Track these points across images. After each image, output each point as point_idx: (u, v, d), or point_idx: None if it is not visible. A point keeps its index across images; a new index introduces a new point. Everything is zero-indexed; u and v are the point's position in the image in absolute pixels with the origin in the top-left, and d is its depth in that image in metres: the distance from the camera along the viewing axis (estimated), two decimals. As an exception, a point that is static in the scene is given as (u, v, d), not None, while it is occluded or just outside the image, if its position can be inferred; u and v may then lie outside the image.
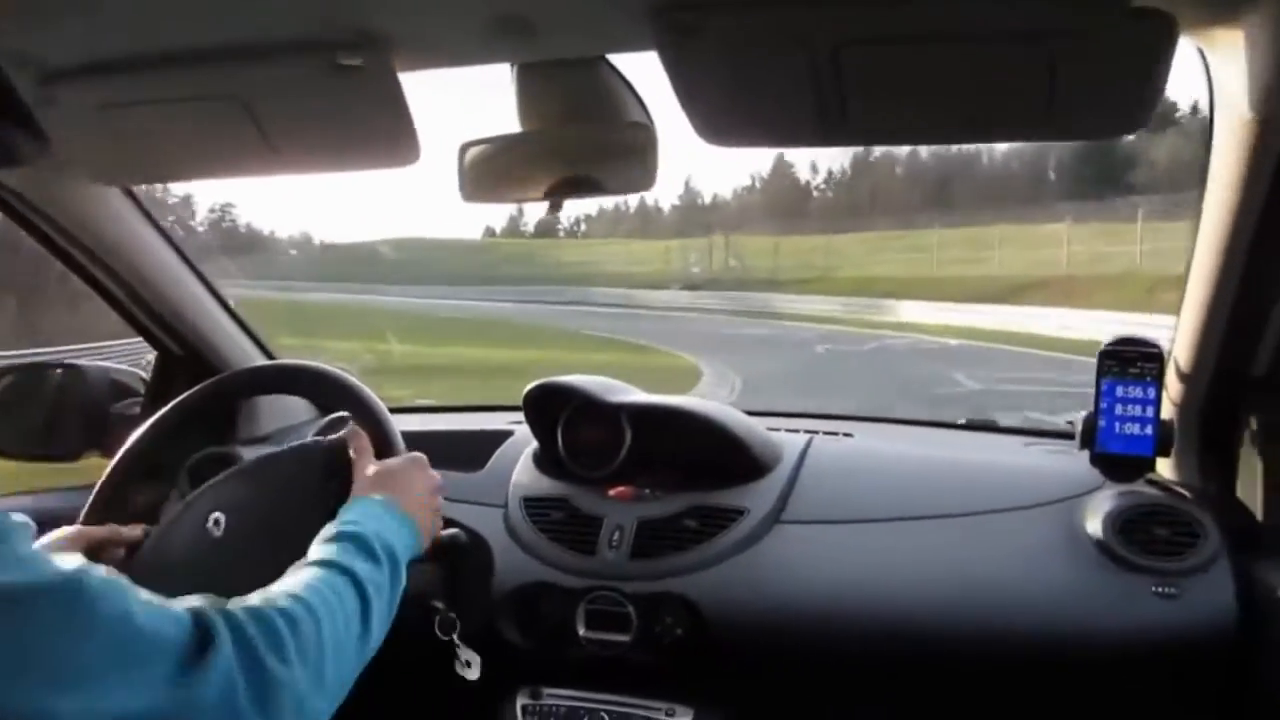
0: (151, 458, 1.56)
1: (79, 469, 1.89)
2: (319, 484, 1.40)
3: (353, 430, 1.39)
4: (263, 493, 1.40)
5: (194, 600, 0.95)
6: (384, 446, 1.41)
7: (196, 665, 0.87)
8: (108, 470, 1.54)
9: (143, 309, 1.95)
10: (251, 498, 1.40)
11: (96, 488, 1.52)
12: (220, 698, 0.87)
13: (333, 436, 1.44)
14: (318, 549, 1.13)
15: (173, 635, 0.87)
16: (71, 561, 0.85)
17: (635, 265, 48.16)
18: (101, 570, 0.86)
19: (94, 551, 1.34)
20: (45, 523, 1.77)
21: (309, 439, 1.51)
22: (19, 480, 1.43)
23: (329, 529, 1.17)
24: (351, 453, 1.35)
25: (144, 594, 0.89)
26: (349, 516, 1.19)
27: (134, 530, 1.42)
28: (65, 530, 1.37)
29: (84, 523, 1.46)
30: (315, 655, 0.99)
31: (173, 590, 1.35)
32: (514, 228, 78.26)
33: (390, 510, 1.23)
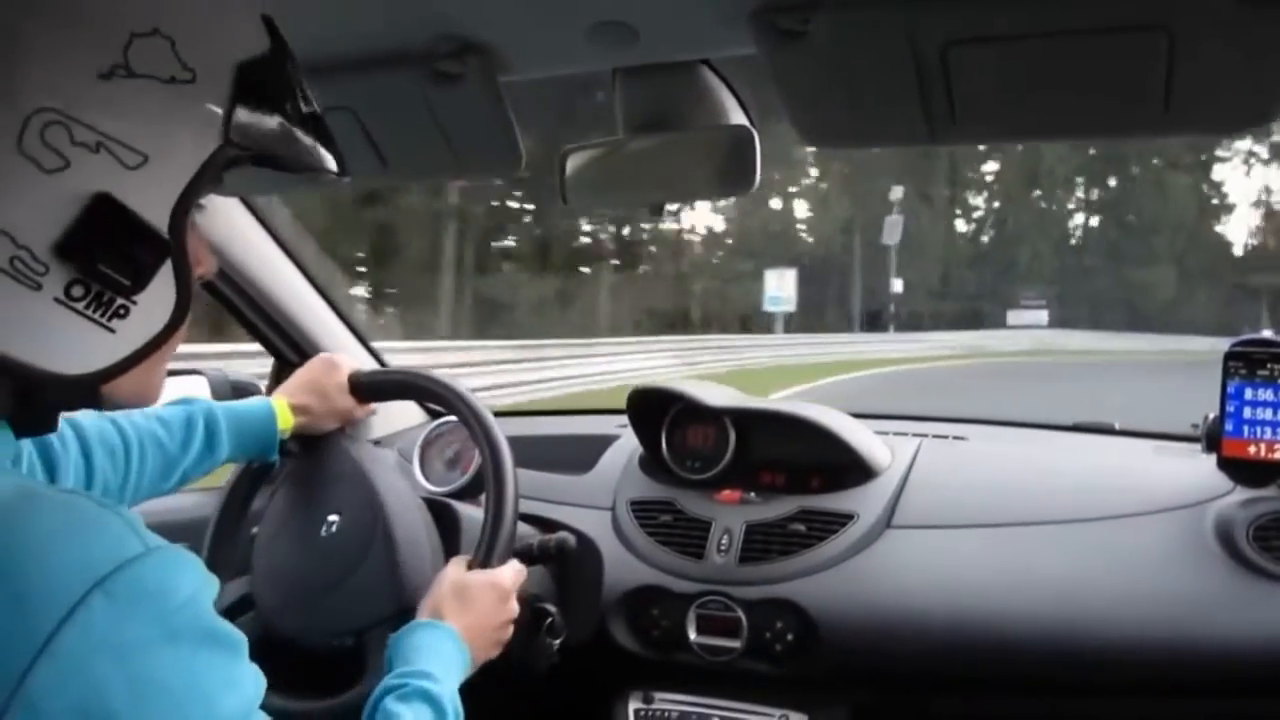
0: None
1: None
2: (429, 526, 1.48)
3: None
4: (378, 513, 1.44)
5: None
6: (490, 448, 1.44)
7: None
8: (234, 473, 1.60)
9: (260, 316, 2.01)
10: (366, 510, 1.45)
11: (226, 489, 1.59)
12: None
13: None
14: (394, 706, 1.10)
15: None
16: None
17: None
18: None
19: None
20: (177, 526, 1.86)
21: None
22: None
23: (403, 673, 1.15)
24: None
25: None
26: (423, 663, 1.17)
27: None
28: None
29: (216, 524, 1.56)
30: None
31: (281, 579, 1.48)
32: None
33: (460, 651, 1.23)
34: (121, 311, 0.73)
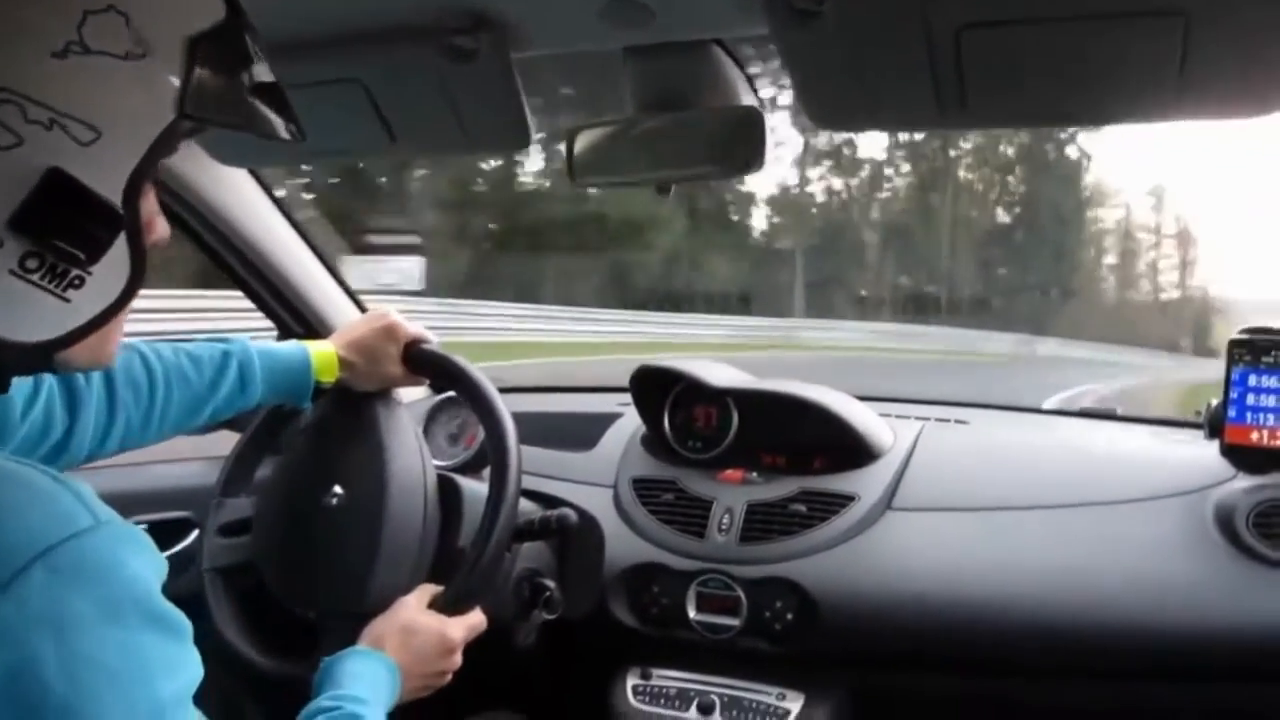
0: (276, 432, 1.63)
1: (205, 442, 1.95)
2: (432, 506, 1.48)
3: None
4: (377, 504, 1.45)
5: None
6: (495, 428, 1.45)
7: None
8: (238, 443, 1.61)
9: (266, 287, 2.00)
10: (369, 494, 1.45)
11: (230, 459, 1.60)
12: None
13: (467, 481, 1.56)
14: None
15: None
16: None
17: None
18: None
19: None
20: (180, 495, 1.87)
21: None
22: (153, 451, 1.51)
23: (337, 696, 1.16)
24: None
25: None
26: (356, 689, 1.18)
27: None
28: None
29: (221, 490, 1.57)
30: None
31: (273, 524, 1.50)
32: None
33: (393, 683, 1.24)
34: (76, 282, 0.73)
